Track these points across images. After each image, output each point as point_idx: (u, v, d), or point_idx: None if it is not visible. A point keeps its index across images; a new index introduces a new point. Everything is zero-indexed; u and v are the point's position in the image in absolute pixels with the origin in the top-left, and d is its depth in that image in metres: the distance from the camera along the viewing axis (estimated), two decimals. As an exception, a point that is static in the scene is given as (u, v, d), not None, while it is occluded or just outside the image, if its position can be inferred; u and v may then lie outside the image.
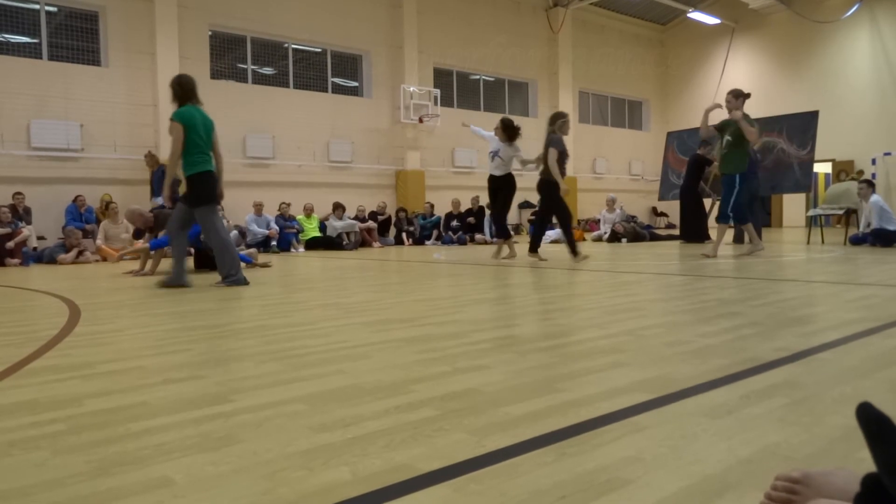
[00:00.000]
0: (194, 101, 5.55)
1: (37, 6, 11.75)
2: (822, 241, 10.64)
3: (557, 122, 7.67)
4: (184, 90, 5.54)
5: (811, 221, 11.65)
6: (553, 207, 7.69)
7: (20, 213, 10.17)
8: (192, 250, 7.16)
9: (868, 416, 0.92)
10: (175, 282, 5.36)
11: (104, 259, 9.61)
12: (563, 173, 7.46)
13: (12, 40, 11.62)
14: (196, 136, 5.38)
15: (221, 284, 5.43)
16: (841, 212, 10.79)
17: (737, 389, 1.91)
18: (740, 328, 2.91)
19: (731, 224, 7.97)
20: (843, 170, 18.45)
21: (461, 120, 8.05)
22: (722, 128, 7.66)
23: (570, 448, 1.46)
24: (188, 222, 5.54)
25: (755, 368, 2.16)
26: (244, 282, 5.47)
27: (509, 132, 8.14)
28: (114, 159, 12.21)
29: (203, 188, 5.42)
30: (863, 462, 1.33)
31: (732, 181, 7.53)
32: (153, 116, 12.58)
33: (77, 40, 12.15)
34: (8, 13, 11.53)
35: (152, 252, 6.82)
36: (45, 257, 9.39)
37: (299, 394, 1.98)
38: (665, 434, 1.53)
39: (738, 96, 7.53)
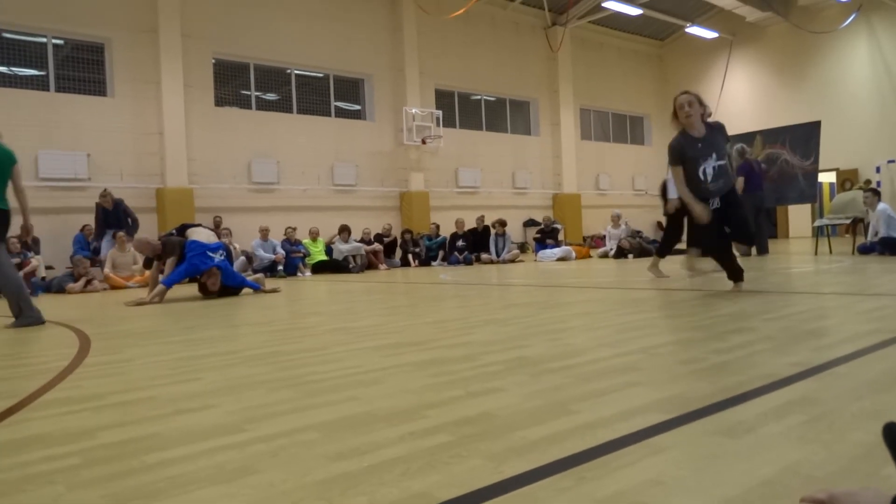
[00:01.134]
0: None
1: (44, 39, 11.91)
2: (830, 252, 10.59)
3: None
4: None
5: (818, 232, 11.61)
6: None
7: (28, 244, 10.22)
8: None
9: (895, 436, 0.90)
10: (27, 321, 5.04)
11: (112, 288, 9.64)
12: (692, 191, 4.98)
13: (20, 73, 11.77)
14: None
15: (13, 326, 5.04)
16: (848, 221, 10.76)
17: (754, 407, 1.89)
18: (754, 343, 2.88)
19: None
20: (847, 179, 18.42)
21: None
22: None
23: (588, 472, 1.44)
24: None
25: (771, 385, 2.13)
26: (39, 320, 5.09)
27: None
28: (120, 188, 12.28)
29: None
30: (888, 480, 1.31)
31: None
32: (159, 145, 12.68)
33: (83, 71, 12.29)
34: (16, 47, 11.69)
35: (168, 288, 6.86)
36: (53, 287, 9.43)
37: (313, 421, 1.97)
38: (684, 455, 1.52)
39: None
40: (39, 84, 11.87)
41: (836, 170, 18.94)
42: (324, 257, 12.32)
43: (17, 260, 9.04)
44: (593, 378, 2.36)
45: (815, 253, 10.57)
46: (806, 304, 4.15)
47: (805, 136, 12.16)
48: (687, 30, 21.04)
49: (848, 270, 6.91)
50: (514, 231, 17.14)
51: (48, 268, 10.61)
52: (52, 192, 11.62)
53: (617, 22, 20.72)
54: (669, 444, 1.60)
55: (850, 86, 19.13)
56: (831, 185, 19.85)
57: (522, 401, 2.09)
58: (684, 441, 1.62)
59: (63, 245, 11.21)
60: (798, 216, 19.83)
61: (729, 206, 5.07)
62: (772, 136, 12.71)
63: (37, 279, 9.40)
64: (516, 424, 1.83)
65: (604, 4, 18.21)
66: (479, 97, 18.48)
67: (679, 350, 2.82)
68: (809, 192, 12.25)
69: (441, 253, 13.84)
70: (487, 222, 14.25)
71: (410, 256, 13.68)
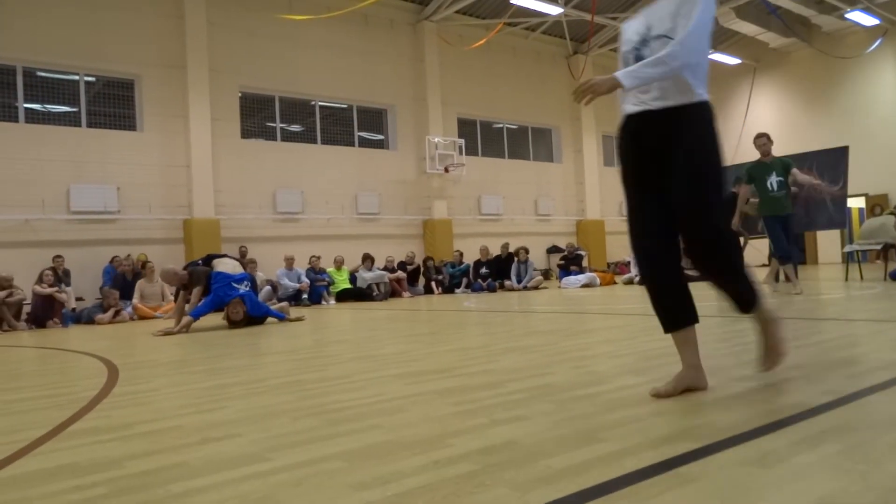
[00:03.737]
0: None
1: (76, 77, 12.28)
2: (861, 278, 10.38)
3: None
4: None
5: (848, 258, 11.40)
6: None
7: (59, 276, 10.42)
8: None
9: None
10: None
11: (141, 318, 9.76)
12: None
13: (53, 110, 12.12)
14: None
15: None
16: (878, 247, 10.55)
17: (786, 436, 1.85)
18: (784, 371, 2.82)
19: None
20: (877, 204, 18.10)
21: None
22: (757, 170, 7.95)
23: (615, 503, 1.41)
24: None
25: (803, 413, 2.09)
26: None
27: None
28: (149, 220, 12.52)
29: None
30: (927, 512, 1.27)
31: (790, 219, 7.99)
32: (186, 177, 12.92)
33: (114, 107, 12.61)
34: (49, 85, 12.06)
35: (195, 319, 6.93)
36: (83, 317, 9.57)
37: (337, 450, 1.96)
38: (714, 485, 1.48)
39: (770, 139, 7.99)
40: (71, 120, 12.19)
41: (866, 195, 18.65)
42: (348, 285, 12.37)
43: (54, 289, 9.26)
44: (619, 406, 2.33)
45: (846, 279, 10.37)
46: (837, 332, 4.06)
47: (833, 162, 12.01)
48: (709, 56, 21.03)
49: (880, 297, 6.76)
50: (538, 258, 17.08)
51: (78, 299, 10.78)
52: (83, 225, 11.86)
53: (638, 50, 20.77)
54: (699, 473, 1.57)
55: (878, 110, 18.90)
56: (861, 210, 19.52)
57: (547, 429, 2.06)
58: (714, 471, 1.59)
59: (93, 276, 11.41)
60: (827, 242, 19.49)
61: None
62: (799, 161, 12.55)
63: (67, 310, 9.55)
64: (541, 453, 1.80)
65: (625, 33, 18.31)
66: (501, 125, 18.59)
67: (707, 377, 2.77)
68: (838, 218, 12.04)
69: (464, 280, 13.82)
70: (511, 249, 14.22)
71: (434, 284, 13.68)
